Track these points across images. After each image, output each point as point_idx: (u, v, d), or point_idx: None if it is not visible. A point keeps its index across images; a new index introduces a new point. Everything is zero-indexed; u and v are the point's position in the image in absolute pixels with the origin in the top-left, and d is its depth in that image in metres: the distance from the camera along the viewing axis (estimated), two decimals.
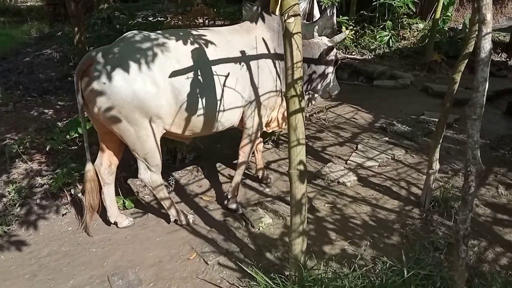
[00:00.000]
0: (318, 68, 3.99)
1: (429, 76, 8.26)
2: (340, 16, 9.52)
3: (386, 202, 3.81)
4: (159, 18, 10.03)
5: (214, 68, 3.23)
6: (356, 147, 4.96)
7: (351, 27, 9.51)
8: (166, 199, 3.44)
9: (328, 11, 8.73)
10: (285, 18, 2.23)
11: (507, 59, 8.46)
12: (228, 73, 3.28)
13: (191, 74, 3.13)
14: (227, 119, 3.43)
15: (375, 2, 9.38)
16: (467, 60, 3.32)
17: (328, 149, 4.98)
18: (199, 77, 3.16)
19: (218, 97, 3.27)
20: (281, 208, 3.67)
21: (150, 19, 10.22)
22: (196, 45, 3.20)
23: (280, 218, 3.57)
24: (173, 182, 4.09)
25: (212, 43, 3.28)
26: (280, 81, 3.58)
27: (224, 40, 3.37)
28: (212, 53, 3.24)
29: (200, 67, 3.17)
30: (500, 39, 9.02)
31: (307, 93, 4.15)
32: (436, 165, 3.57)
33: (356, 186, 4.11)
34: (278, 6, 2.21)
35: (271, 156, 4.78)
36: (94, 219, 3.62)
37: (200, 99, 3.19)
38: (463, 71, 8.40)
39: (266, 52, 3.48)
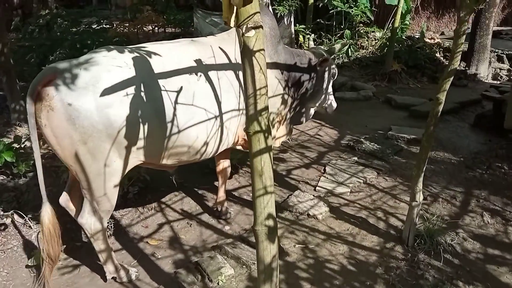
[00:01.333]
0: (312, 82, 3.54)
1: (390, 86, 8.00)
2: (297, 25, 9.13)
3: (364, 239, 3.31)
4: (104, 26, 9.26)
5: (205, 84, 2.79)
6: (324, 170, 4.47)
7: (308, 36, 9.13)
8: (104, 251, 2.77)
9: (285, 19, 8.30)
10: (243, 31, 1.66)
11: (466, 68, 8.36)
12: (221, 88, 2.87)
13: (180, 94, 2.65)
14: (225, 139, 3.04)
15: (332, 10, 9.06)
16: (452, 77, 2.89)
17: (293, 173, 4.46)
18: (189, 96, 2.70)
19: (214, 116, 2.84)
20: (244, 253, 3.08)
21: (94, 26, 9.42)
22: (185, 60, 2.75)
23: (244, 266, 2.97)
24: (112, 224, 3.39)
25: (201, 56, 2.84)
26: (285, 87, 3.34)
27: (211, 52, 2.92)
28: (202, 67, 2.80)
29: (190, 85, 2.71)
30: None
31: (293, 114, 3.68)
32: (420, 196, 3.12)
33: (328, 218, 3.59)
34: (233, 15, 1.63)
35: (230, 184, 4.18)
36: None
37: (192, 122, 2.73)
38: (423, 80, 8.06)
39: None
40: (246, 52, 1.72)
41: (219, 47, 2.94)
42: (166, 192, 3.96)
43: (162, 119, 2.60)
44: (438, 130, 5.68)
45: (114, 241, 3.29)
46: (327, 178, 4.28)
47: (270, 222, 1.93)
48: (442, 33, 11.46)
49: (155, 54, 2.65)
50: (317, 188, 4.09)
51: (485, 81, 8.33)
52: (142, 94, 2.51)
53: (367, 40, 9.55)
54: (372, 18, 9.45)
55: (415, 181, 3.10)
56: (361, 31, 9.48)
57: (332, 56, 3.72)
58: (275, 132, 3.46)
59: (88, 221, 2.66)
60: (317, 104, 3.79)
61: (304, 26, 9.07)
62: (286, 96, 3.32)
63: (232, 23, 1.65)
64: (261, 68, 1.75)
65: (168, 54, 2.72)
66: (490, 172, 4.36)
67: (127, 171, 2.68)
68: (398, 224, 3.51)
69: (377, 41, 9.47)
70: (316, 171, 4.49)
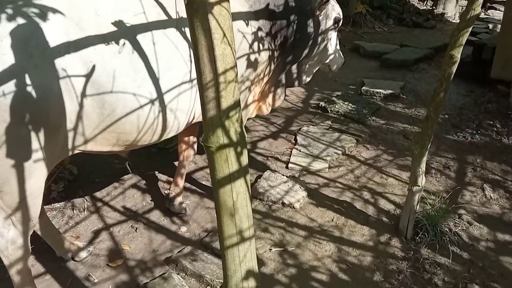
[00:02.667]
0: (304, 31, 2.72)
1: (355, 31, 7.29)
2: None
3: (353, 232, 2.71)
4: None
5: (151, 39, 1.96)
6: (295, 140, 3.78)
7: None
8: (25, 282, 1.99)
9: None
10: None
11: (433, 7, 7.75)
12: (173, 45, 2.06)
13: (118, 54, 1.84)
14: (175, 121, 2.20)
15: None
16: (471, 27, 2.20)
17: (259, 146, 3.74)
18: (130, 57, 1.89)
19: (168, 82, 2.04)
20: (207, 268, 2.39)
21: None
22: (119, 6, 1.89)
23: (208, 287, 2.30)
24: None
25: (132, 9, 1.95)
26: (255, 40, 2.44)
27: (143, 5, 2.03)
28: (141, 16, 1.95)
29: (129, 41, 1.88)
30: None
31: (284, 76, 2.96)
32: (422, 180, 2.52)
33: (307, 206, 2.95)
34: None
35: None
36: None
37: (141, 91, 1.94)
38: (390, 23, 7.24)
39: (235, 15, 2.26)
40: (196, 7, 0.91)
41: None
42: (102, 184, 3.13)
43: (98, 88, 1.81)
44: (414, 82, 5.12)
45: (34, 262, 2.49)
46: (299, 150, 3.60)
47: (251, 284, 1.22)
48: None
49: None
50: (289, 165, 3.41)
51: (453, 21, 7.79)
52: (66, 55, 1.69)
53: None
54: None
55: (417, 162, 2.47)
56: None
57: None
58: (243, 105, 2.66)
59: (3, 239, 1.85)
60: (314, 60, 3.04)
61: None
62: (257, 56, 2.49)
63: None
64: (225, 35, 0.95)
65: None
66: (481, 132, 3.85)
67: (56, 163, 1.92)
68: (390, 207, 2.94)
69: None
70: (286, 142, 3.80)
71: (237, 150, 1.05)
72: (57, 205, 2.88)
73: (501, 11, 8.12)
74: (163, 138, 2.29)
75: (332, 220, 2.82)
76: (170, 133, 2.27)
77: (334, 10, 2.88)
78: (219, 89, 0.97)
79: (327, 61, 3.16)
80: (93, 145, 1.96)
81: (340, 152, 3.57)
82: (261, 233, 2.68)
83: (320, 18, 2.82)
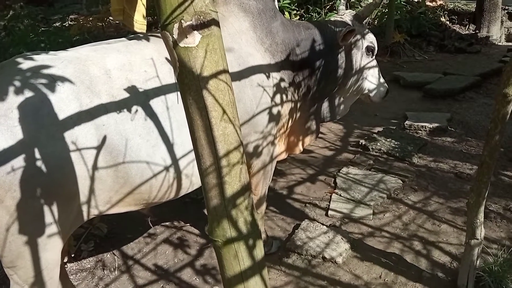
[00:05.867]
0: (334, 70, 2.62)
1: (394, 61, 7.03)
2: (281, 0, 8.07)
3: None
4: (69, 23, 8.40)
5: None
6: (335, 183, 3.55)
7: (295, 11, 8.10)
8: None
9: None
10: (174, 36, 0.70)
11: (476, 31, 7.38)
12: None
13: (136, 116, 1.80)
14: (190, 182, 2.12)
15: None
16: None
17: (296, 191, 3.53)
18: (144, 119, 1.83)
19: (182, 141, 1.93)
20: None
21: (56, 24, 8.59)
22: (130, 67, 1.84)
23: None
24: None
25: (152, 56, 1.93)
26: (277, 92, 2.31)
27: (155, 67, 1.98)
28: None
29: (143, 101, 1.84)
30: (463, 8, 7.93)
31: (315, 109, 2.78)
32: (481, 232, 2.21)
33: (351, 260, 2.68)
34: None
35: None
36: None
37: (161, 151, 1.88)
38: (430, 50, 6.88)
39: (249, 60, 2.16)
40: (188, 82, 0.76)
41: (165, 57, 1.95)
42: (134, 240, 3.02)
43: (116, 154, 1.74)
44: (462, 112, 4.77)
45: None
46: (340, 195, 3.35)
47: None
48: None
49: (88, 60, 1.75)
50: (329, 212, 3.17)
51: (499, 43, 7.37)
52: (78, 120, 1.63)
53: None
54: None
55: (473, 212, 2.18)
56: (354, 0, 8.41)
57: (364, 23, 2.76)
58: (268, 160, 2.48)
59: None
60: (348, 94, 2.87)
61: (288, 1, 8.01)
62: (280, 108, 2.35)
63: (139, 26, 0.78)
64: (225, 112, 0.80)
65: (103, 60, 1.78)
66: None
67: (71, 232, 1.84)
68: (446, 260, 2.62)
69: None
70: (325, 185, 3.57)
71: (249, 243, 0.87)
72: (87, 265, 2.79)
73: None
74: (182, 194, 2.16)
75: (380, 276, 2.53)
76: (190, 188, 2.13)
77: (365, 39, 2.70)
78: (221, 174, 0.81)
79: (366, 91, 2.95)
80: (109, 208, 1.86)
81: (384, 195, 3.30)
82: None
83: (352, 51, 2.66)
